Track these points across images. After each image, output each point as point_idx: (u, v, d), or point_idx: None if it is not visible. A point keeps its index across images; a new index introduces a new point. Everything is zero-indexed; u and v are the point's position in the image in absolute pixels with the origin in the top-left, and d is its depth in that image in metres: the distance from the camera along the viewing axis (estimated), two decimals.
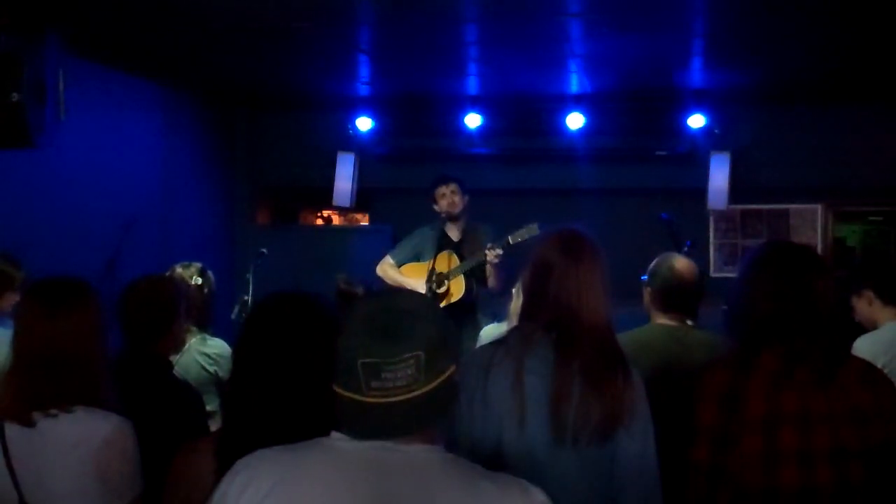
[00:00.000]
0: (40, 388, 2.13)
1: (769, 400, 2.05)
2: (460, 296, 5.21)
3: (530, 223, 4.85)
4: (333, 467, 1.40)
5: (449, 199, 5.32)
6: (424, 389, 1.38)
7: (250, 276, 5.54)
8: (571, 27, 4.99)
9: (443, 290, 5.21)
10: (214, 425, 2.71)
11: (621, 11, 4.59)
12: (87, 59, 5.42)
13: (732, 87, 6.49)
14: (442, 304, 4.97)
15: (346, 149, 7.19)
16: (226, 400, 1.96)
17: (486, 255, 4.96)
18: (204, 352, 3.51)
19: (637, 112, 6.88)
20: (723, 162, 6.69)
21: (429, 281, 5.13)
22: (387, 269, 5.49)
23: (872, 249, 9.38)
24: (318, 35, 5.13)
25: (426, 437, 1.42)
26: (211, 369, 3.49)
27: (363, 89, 6.83)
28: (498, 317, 4.42)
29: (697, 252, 5.40)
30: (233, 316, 5.27)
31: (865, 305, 3.71)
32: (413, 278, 5.28)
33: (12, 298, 3.59)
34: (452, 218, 5.36)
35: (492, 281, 5.15)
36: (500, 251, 4.92)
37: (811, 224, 7.31)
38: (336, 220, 8.97)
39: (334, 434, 1.44)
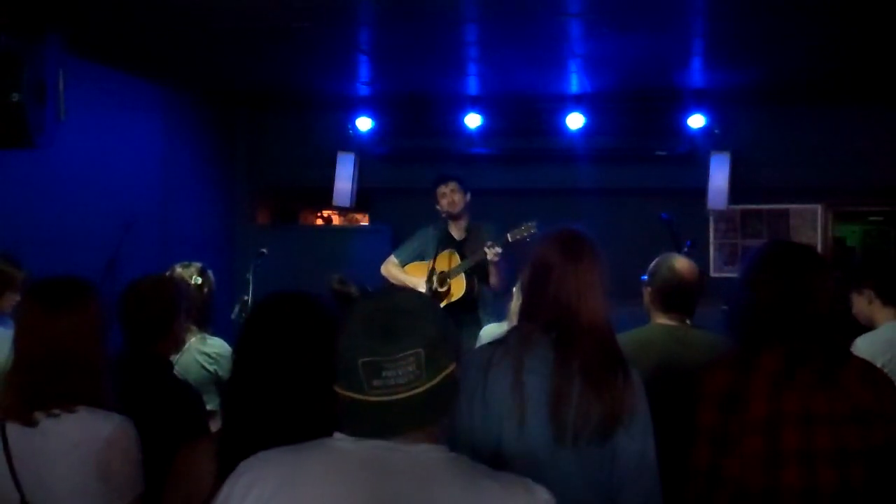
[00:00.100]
0: (41, 387, 2.13)
1: (770, 400, 2.05)
2: (461, 294, 5.23)
3: (529, 221, 4.89)
4: (337, 468, 1.39)
5: (449, 197, 5.33)
6: (426, 387, 1.38)
7: (250, 276, 5.53)
8: (571, 27, 5.00)
9: (444, 288, 5.23)
10: (215, 425, 2.71)
11: (621, 11, 4.59)
12: (87, 59, 5.42)
13: (732, 87, 6.49)
14: (443, 303, 4.98)
15: (346, 149, 7.19)
16: (226, 400, 1.97)
17: (485, 252, 4.98)
18: (204, 351, 3.51)
19: (637, 112, 6.88)
20: (723, 162, 6.69)
21: (429, 280, 5.14)
22: (391, 268, 5.53)
23: (872, 249, 9.39)
24: (318, 35, 5.14)
25: (429, 435, 1.42)
26: (211, 368, 3.49)
27: (363, 89, 6.83)
28: (500, 316, 4.43)
29: (697, 252, 5.40)
30: (233, 316, 5.27)
31: (865, 303, 3.71)
32: (416, 277, 5.30)
33: (13, 298, 3.59)
34: (453, 217, 5.37)
35: (493, 279, 5.17)
36: (499, 249, 4.94)
37: (811, 224, 7.31)
38: (336, 220, 8.97)
39: (337, 434, 1.44)
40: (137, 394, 2.40)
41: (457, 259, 5.29)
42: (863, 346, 3.46)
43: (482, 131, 7.06)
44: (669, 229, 5.45)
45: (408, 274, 5.42)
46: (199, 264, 3.76)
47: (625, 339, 2.34)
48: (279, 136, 7.70)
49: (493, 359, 2.15)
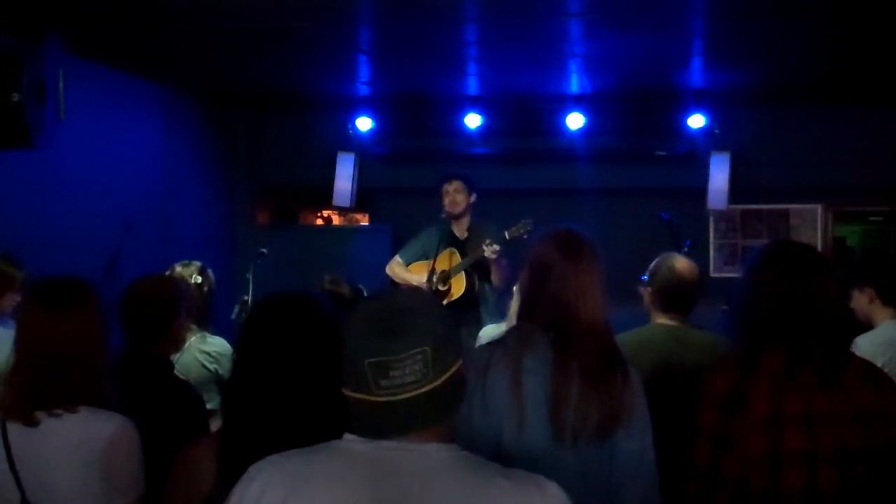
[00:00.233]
0: (42, 387, 2.13)
1: (772, 401, 2.05)
2: (461, 293, 5.25)
3: (525, 219, 4.96)
4: (348, 470, 1.39)
5: (451, 196, 5.35)
6: (434, 385, 1.38)
7: (250, 276, 5.54)
8: (571, 27, 4.99)
9: (444, 287, 5.25)
10: (215, 424, 2.71)
11: (621, 11, 4.59)
12: (87, 59, 5.42)
13: (732, 87, 6.49)
14: (443, 302, 4.98)
15: (346, 149, 7.19)
16: (226, 400, 1.97)
17: (483, 250, 5.00)
18: (204, 350, 3.51)
19: (637, 112, 6.87)
20: (723, 162, 6.69)
21: (429, 280, 5.16)
22: (395, 268, 5.56)
23: (872, 249, 9.39)
24: (318, 35, 5.14)
25: (440, 434, 1.42)
26: (211, 367, 3.49)
27: (363, 89, 6.83)
28: (502, 315, 4.43)
29: (697, 252, 5.40)
30: (233, 316, 5.27)
31: (866, 301, 3.70)
32: (420, 276, 5.32)
33: (13, 298, 3.60)
34: (455, 216, 5.38)
35: (495, 278, 5.19)
36: (497, 247, 4.97)
37: (811, 224, 7.31)
38: (336, 220, 8.97)
39: (347, 436, 1.44)
40: (138, 393, 2.40)
41: (457, 258, 5.32)
42: (863, 346, 3.44)
43: (482, 131, 7.06)
44: (669, 229, 5.46)
45: (412, 273, 5.44)
46: (198, 263, 3.76)
47: (624, 339, 2.35)
48: (279, 136, 7.70)
49: (491, 359, 2.15)
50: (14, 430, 2.12)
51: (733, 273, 6.97)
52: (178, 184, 6.82)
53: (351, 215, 8.71)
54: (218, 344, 3.56)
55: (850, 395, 2.04)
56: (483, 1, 4.56)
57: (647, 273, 3.12)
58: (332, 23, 4.87)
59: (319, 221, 8.93)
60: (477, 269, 5.27)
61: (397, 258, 5.60)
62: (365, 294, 4.01)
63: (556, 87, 6.60)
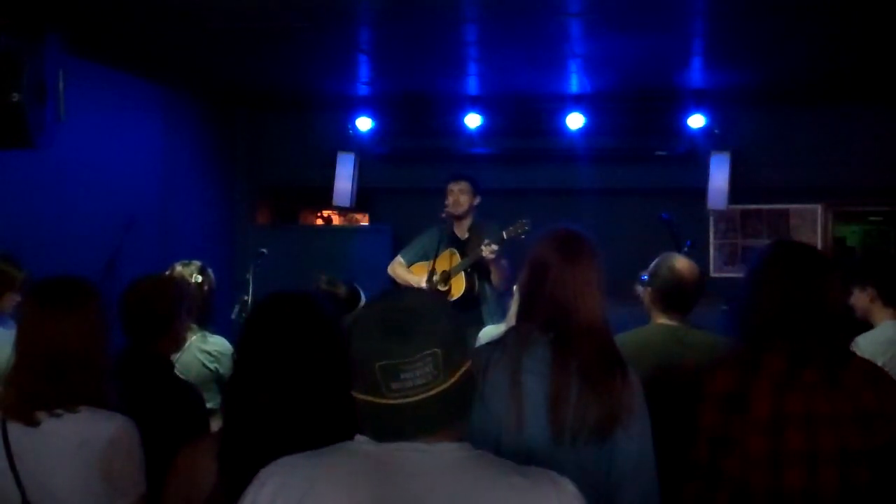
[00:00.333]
0: (43, 387, 2.14)
1: (773, 401, 2.04)
2: (461, 293, 5.25)
3: (523, 219, 4.97)
4: (360, 472, 1.38)
5: (455, 196, 5.36)
6: (444, 386, 1.37)
7: (250, 276, 5.53)
8: (571, 27, 4.99)
9: (444, 288, 5.25)
10: (216, 424, 2.71)
11: (621, 11, 4.59)
12: (87, 59, 5.42)
13: (732, 87, 6.49)
14: None
15: (346, 149, 7.19)
16: (227, 400, 1.97)
17: (482, 251, 5.00)
18: (205, 349, 3.51)
19: (637, 112, 6.87)
20: (723, 162, 6.69)
21: (429, 280, 5.16)
22: (397, 268, 5.57)
23: (872, 249, 9.39)
24: (318, 35, 5.13)
25: (452, 434, 1.42)
26: (212, 366, 3.49)
27: (363, 89, 6.83)
28: (503, 315, 4.43)
29: (697, 252, 5.41)
30: (233, 316, 5.27)
31: (866, 300, 3.70)
32: (421, 277, 5.32)
33: (13, 299, 3.60)
34: (456, 217, 5.38)
35: (495, 278, 5.19)
36: (495, 247, 4.97)
37: (811, 224, 7.31)
38: (336, 220, 8.97)
39: (358, 437, 1.43)
40: (138, 393, 2.40)
41: (458, 258, 5.32)
42: (863, 345, 3.45)
43: (482, 131, 7.06)
44: (669, 229, 5.46)
45: (413, 274, 5.44)
46: (199, 262, 3.77)
47: (624, 339, 2.35)
48: (279, 136, 7.70)
49: (490, 359, 2.15)
50: (14, 430, 2.12)
51: (733, 273, 6.98)
52: (178, 184, 6.82)
53: (351, 215, 8.71)
54: (218, 343, 3.56)
55: (850, 396, 2.04)
56: (483, 1, 4.55)
57: (647, 273, 3.13)
58: (332, 23, 4.87)
59: (319, 221, 8.93)
60: (477, 270, 5.27)
61: (399, 259, 5.60)
62: (361, 294, 4.01)
63: (556, 87, 6.60)
